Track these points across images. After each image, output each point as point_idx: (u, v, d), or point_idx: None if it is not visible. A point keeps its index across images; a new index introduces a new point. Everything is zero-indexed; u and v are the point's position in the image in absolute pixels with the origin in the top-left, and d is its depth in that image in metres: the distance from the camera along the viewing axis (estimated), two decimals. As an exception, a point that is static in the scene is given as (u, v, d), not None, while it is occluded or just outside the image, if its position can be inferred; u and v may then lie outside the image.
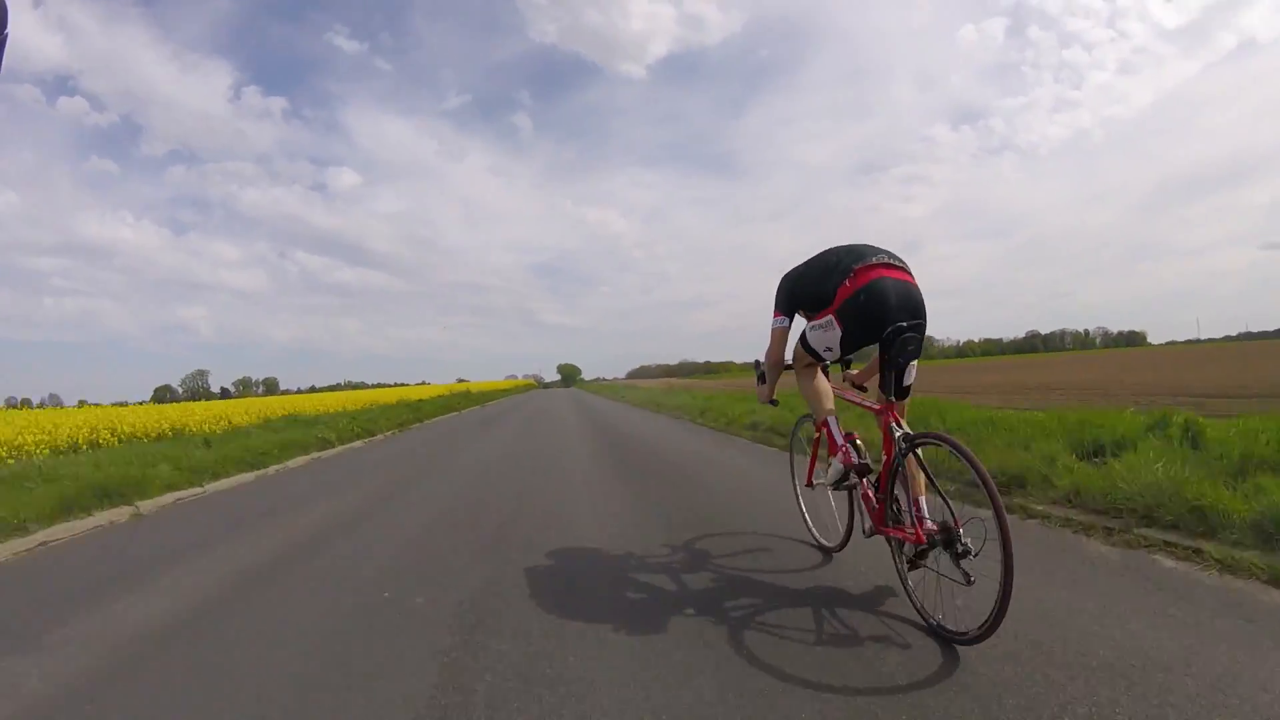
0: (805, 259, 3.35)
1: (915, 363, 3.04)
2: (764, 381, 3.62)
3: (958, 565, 2.55)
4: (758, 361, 3.65)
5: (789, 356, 3.47)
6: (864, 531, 3.11)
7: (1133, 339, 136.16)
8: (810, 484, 3.85)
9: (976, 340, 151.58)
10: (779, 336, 3.42)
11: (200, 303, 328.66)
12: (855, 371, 3.72)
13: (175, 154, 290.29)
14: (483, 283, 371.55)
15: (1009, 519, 2.40)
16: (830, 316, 3.04)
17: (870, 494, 3.08)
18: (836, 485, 3.17)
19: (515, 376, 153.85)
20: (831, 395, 3.35)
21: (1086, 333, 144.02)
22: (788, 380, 3.59)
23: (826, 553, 3.75)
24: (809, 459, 3.83)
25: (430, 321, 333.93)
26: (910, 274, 3.03)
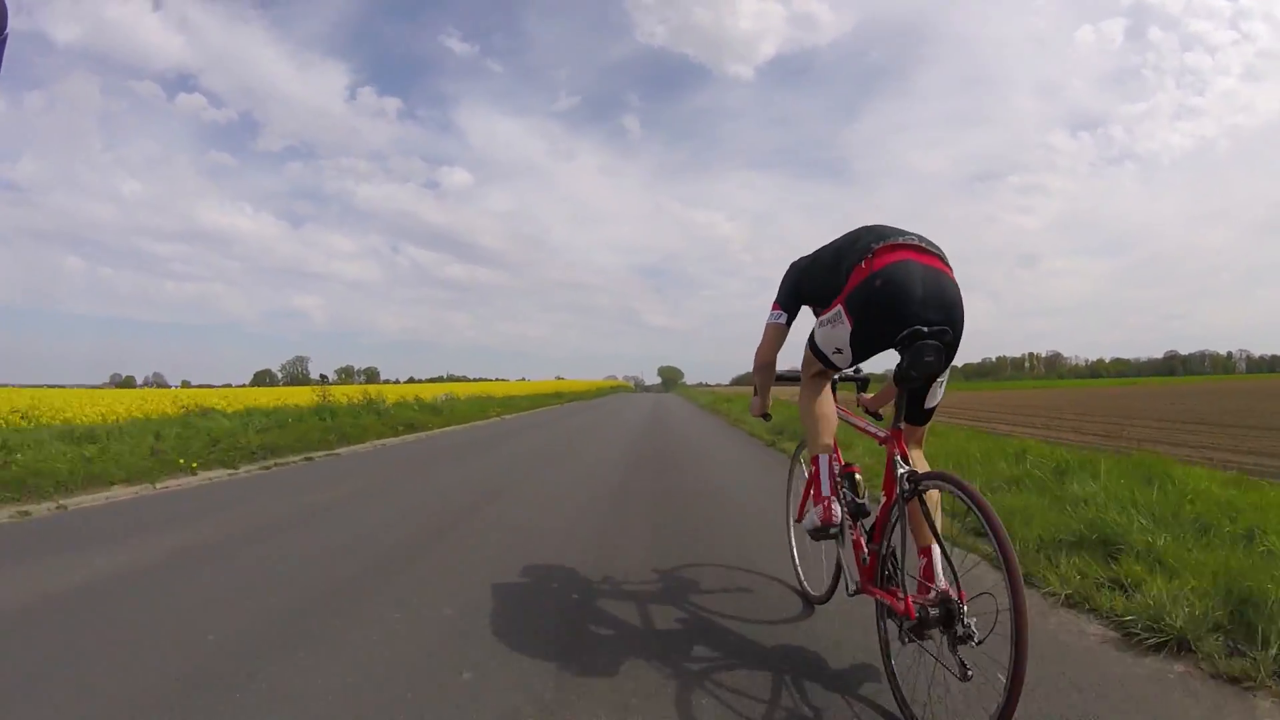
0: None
1: (944, 380, 2.40)
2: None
3: (954, 651, 1.91)
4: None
5: (782, 364, 2.88)
6: (847, 588, 2.49)
7: (1276, 364, 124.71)
8: (800, 518, 3.14)
9: (1107, 360, 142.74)
10: (771, 334, 2.79)
11: (314, 292, 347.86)
12: (870, 395, 3.10)
13: (292, 150, 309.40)
14: (588, 281, 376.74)
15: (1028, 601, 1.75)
16: (839, 307, 2.36)
17: (862, 542, 2.45)
18: (814, 535, 2.53)
19: (615, 377, 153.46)
20: (834, 426, 2.68)
21: (1229, 355, 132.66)
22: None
23: (809, 603, 3.15)
24: (805, 487, 3.15)
25: (535, 318, 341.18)
26: (947, 263, 2.32)
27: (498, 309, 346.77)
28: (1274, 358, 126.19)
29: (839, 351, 2.45)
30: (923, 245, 2.31)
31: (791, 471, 3.55)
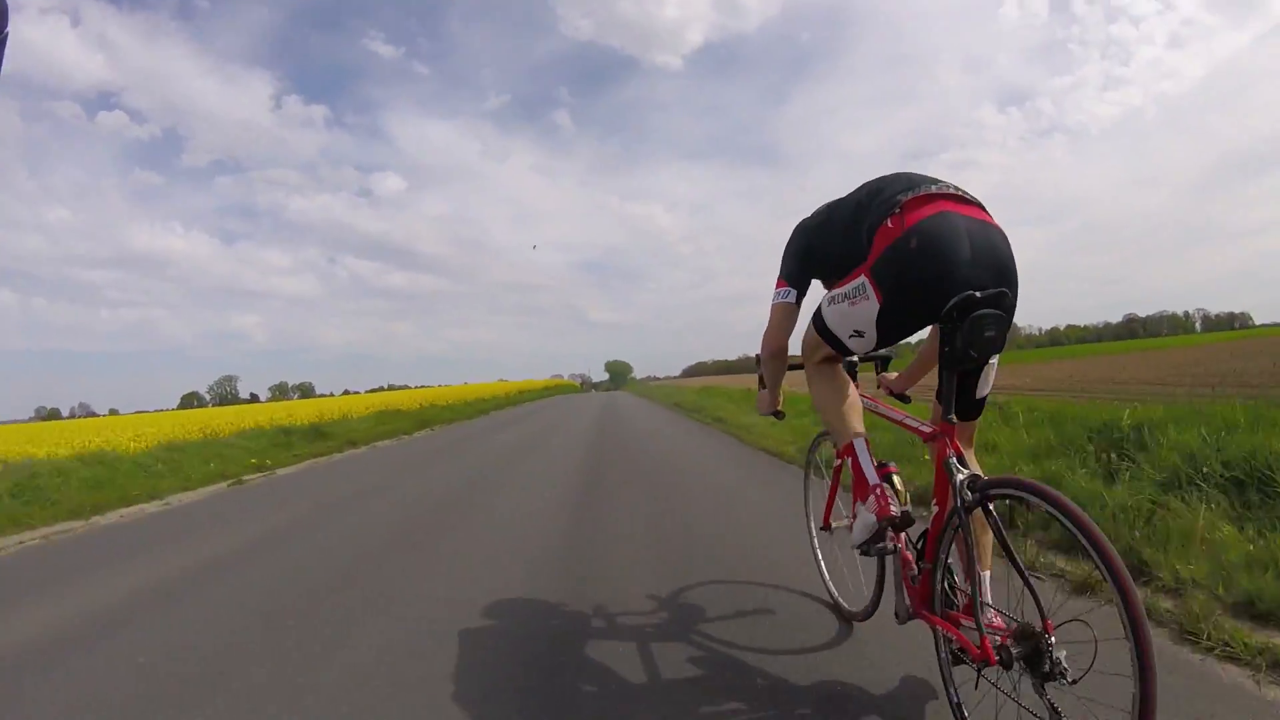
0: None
1: (995, 360, 2.04)
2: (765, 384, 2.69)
3: (1040, 692, 1.63)
4: (758, 357, 2.65)
5: (797, 347, 2.51)
6: (897, 613, 2.18)
7: (1234, 321, 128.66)
8: (827, 526, 2.88)
9: (1061, 327, 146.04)
10: (780, 316, 2.36)
11: (253, 310, 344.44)
12: (894, 375, 2.76)
13: (219, 164, 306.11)
14: (531, 281, 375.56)
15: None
16: (862, 277, 1.97)
17: (910, 558, 2.14)
18: (866, 548, 2.15)
19: (562, 375, 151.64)
20: (860, 407, 2.35)
21: (1186, 315, 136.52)
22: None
23: (846, 619, 2.82)
24: (829, 491, 2.87)
25: (481, 322, 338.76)
26: (989, 214, 1.97)
27: (443, 316, 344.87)
28: (1230, 315, 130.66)
29: (858, 335, 2.08)
30: (960, 193, 1.97)
31: (808, 472, 3.22)
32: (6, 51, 1.43)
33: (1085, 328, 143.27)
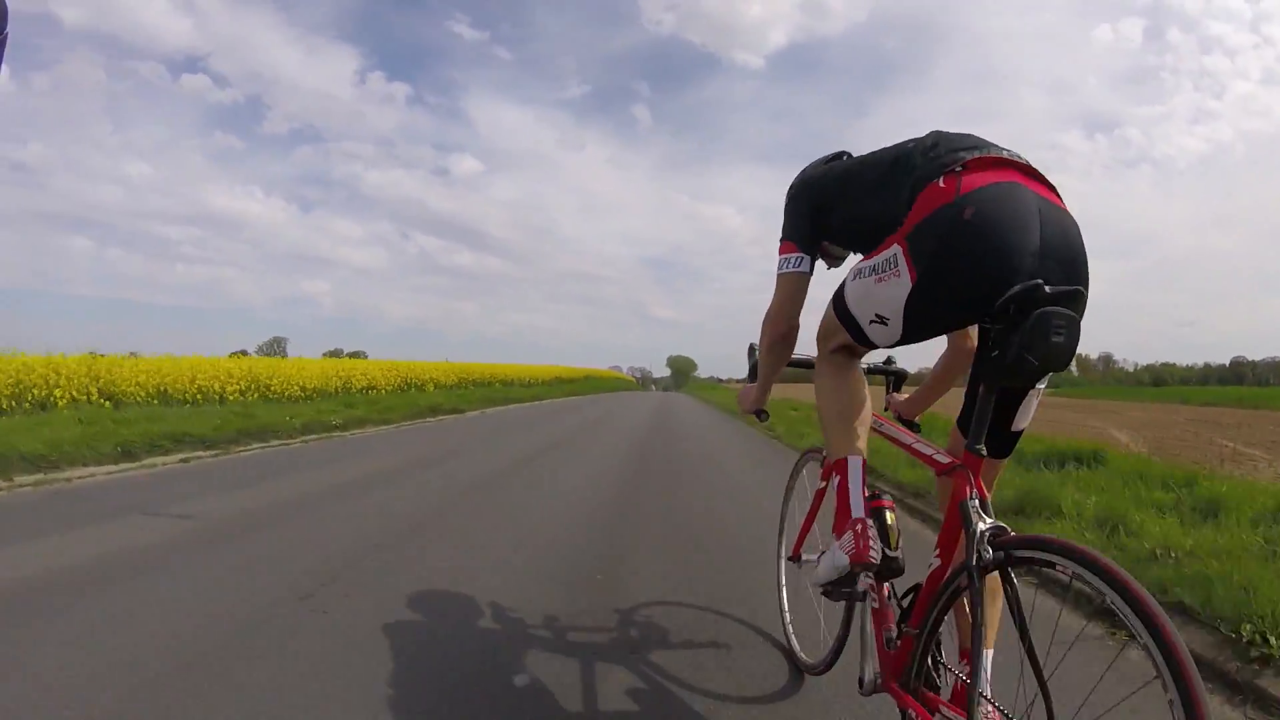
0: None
1: (1042, 386, 1.62)
2: (755, 377, 2.29)
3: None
4: (752, 347, 2.31)
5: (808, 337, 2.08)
6: (861, 679, 1.73)
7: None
8: (796, 557, 2.44)
9: (1158, 364, 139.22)
10: (789, 289, 1.94)
11: (321, 276, 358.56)
12: (904, 396, 2.38)
13: (299, 133, 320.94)
14: (595, 272, 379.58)
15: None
16: (895, 246, 1.55)
17: (891, 617, 1.72)
18: (831, 591, 1.73)
19: (619, 368, 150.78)
20: (869, 417, 1.85)
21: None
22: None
23: (801, 671, 2.42)
24: (807, 516, 2.40)
25: (541, 308, 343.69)
26: (1063, 200, 1.55)
27: (505, 299, 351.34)
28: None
29: (880, 320, 1.63)
30: (1032, 167, 1.54)
31: (790, 488, 2.75)
32: (6, 52, 1.43)
33: (1188, 368, 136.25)
